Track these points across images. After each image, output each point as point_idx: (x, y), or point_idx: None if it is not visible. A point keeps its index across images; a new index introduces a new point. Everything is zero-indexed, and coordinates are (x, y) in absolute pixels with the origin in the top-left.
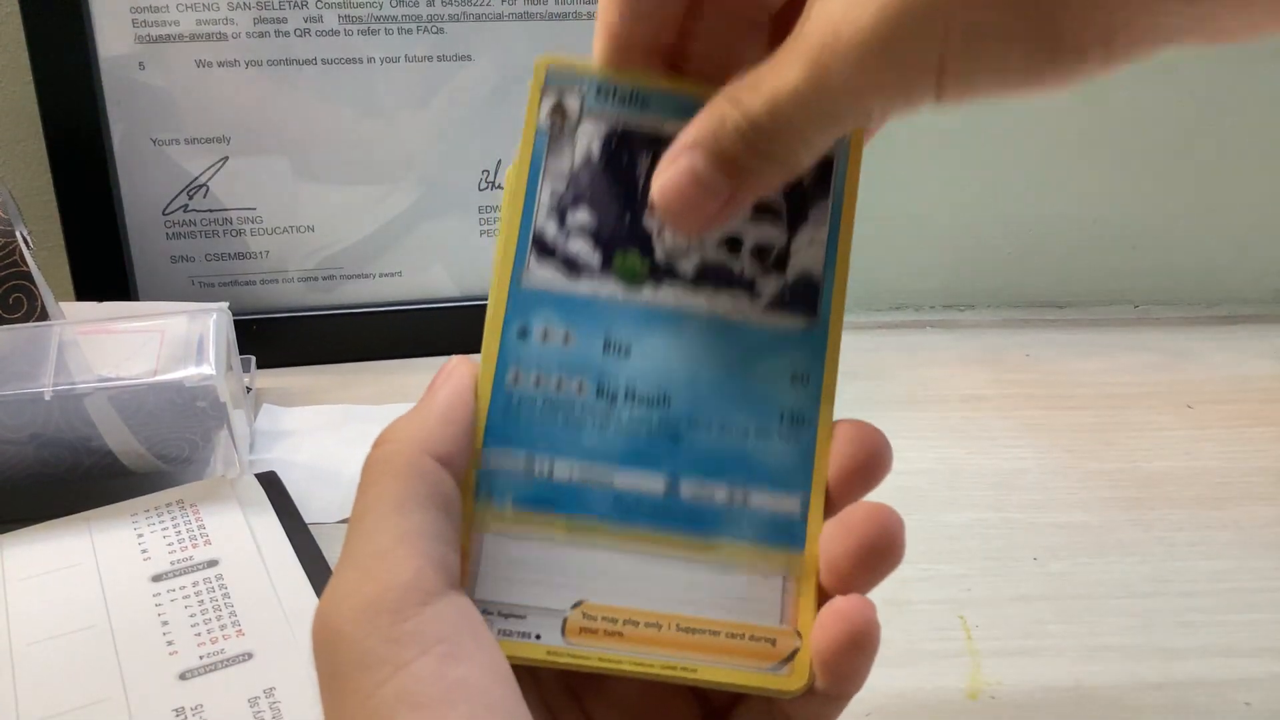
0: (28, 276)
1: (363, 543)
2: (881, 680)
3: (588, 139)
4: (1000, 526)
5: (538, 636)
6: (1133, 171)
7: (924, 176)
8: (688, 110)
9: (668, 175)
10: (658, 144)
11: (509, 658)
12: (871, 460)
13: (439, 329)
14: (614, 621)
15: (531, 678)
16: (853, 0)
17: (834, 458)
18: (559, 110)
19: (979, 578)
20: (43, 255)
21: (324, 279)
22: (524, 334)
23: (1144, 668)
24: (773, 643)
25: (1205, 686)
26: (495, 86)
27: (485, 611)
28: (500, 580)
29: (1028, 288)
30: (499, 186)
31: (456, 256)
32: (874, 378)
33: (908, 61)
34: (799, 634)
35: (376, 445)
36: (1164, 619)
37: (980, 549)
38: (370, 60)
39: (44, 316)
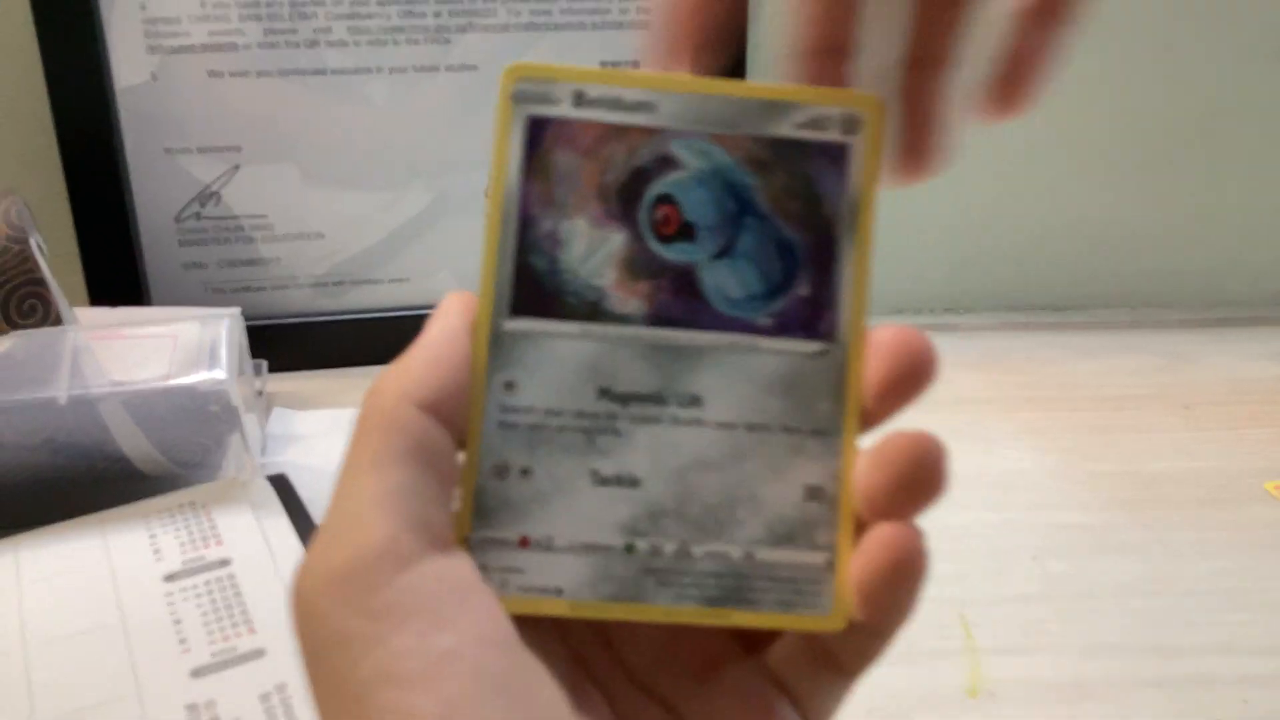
0: (42, 282)
1: (337, 506)
2: (881, 678)
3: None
4: (1000, 527)
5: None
6: (1131, 175)
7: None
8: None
9: None
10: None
11: (531, 616)
12: (911, 366)
13: None
14: None
15: (557, 626)
16: None
17: (870, 366)
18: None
19: (979, 577)
20: (57, 262)
21: (334, 285)
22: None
23: (1143, 666)
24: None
25: (1203, 685)
26: None
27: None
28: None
29: (1027, 291)
30: None
31: (463, 262)
32: None
33: None
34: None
35: (365, 396)
36: (1162, 618)
37: (980, 549)
38: (379, 70)
39: (58, 322)
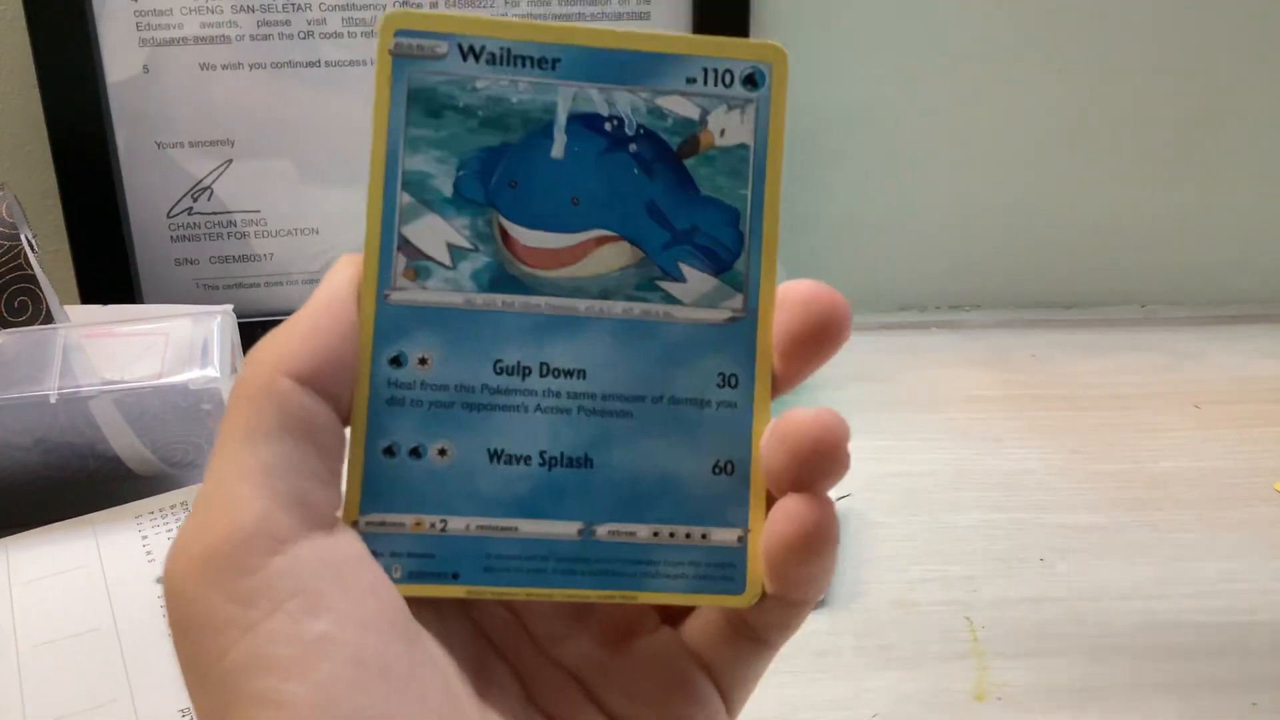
0: (33, 280)
1: (208, 483)
2: (887, 682)
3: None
4: (1006, 528)
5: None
6: (1139, 171)
7: (928, 177)
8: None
9: None
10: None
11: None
12: (820, 323)
13: None
14: None
15: (458, 601)
16: None
17: (777, 324)
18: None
19: (985, 579)
20: (48, 258)
21: None
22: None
23: (1151, 669)
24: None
25: (1212, 687)
26: None
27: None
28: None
29: (1033, 288)
30: None
31: None
32: (879, 379)
33: None
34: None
35: (241, 365)
36: (1171, 620)
37: (986, 550)
38: (374, 62)
39: (49, 320)
